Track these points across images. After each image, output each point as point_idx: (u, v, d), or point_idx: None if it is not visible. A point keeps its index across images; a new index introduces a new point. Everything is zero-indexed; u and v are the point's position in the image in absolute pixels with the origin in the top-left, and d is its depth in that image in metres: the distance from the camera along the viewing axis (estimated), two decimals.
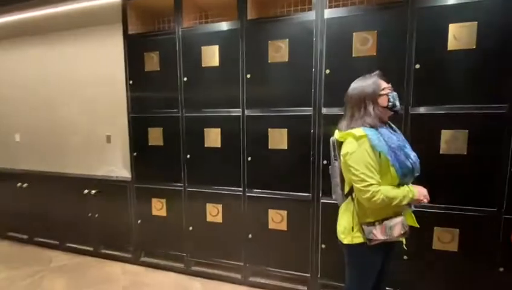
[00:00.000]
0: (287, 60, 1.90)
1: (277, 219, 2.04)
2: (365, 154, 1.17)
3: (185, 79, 2.16)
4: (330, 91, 1.84)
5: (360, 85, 1.27)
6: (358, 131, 1.20)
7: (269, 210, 2.06)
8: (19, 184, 2.87)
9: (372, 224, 1.21)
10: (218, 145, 2.12)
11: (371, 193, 1.14)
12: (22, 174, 2.90)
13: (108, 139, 2.93)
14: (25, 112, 3.23)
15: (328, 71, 1.82)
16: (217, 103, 2.11)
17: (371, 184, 1.14)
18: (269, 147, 2.00)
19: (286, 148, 1.96)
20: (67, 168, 2.83)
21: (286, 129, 1.95)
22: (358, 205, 1.25)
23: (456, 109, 1.63)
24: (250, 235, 2.12)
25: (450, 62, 1.62)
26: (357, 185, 1.17)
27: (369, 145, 1.17)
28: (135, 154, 2.38)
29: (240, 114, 2.05)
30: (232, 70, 2.04)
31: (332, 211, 1.88)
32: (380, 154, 1.17)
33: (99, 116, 2.95)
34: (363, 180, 1.15)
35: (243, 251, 2.16)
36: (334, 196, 1.44)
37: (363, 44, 1.75)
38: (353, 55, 1.77)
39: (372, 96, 1.23)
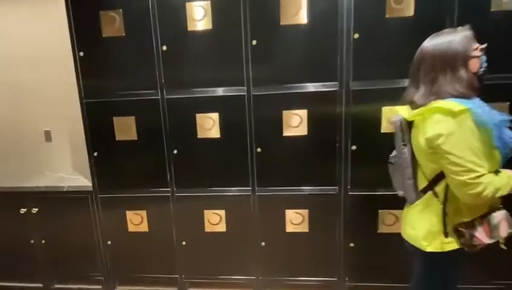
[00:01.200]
0: (305, 21, 1.49)
1: (296, 220, 1.69)
2: (469, 136, 0.86)
3: (164, 48, 1.59)
4: (360, 60, 1.50)
5: (447, 39, 0.94)
6: (454, 104, 0.88)
7: (286, 211, 1.69)
8: None
9: (471, 225, 0.93)
10: (217, 135, 1.64)
11: (482, 186, 0.85)
12: None
13: (48, 136, 2.19)
14: None
15: (357, 36, 1.47)
16: (212, 79, 1.60)
17: (482, 174, 0.85)
18: (284, 134, 1.60)
19: (306, 133, 1.59)
20: None
21: (305, 110, 1.57)
22: (450, 203, 0.95)
23: None
24: (263, 243, 1.73)
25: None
26: (460, 178, 0.87)
27: (473, 122, 0.87)
28: (96, 154, 1.74)
29: (245, 93, 1.59)
30: (231, 35, 1.54)
31: (364, 203, 1.62)
32: (482, 133, 0.88)
33: (33, 107, 2.16)
34: (471, 171, 0.85)
35: (255, 262, 1.77)
36: (401, 192, 1.14)
37: (398, 2, 1.44)
38: (387, 16, 1.45)
39: (464, 56, 0.92)
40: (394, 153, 1.17)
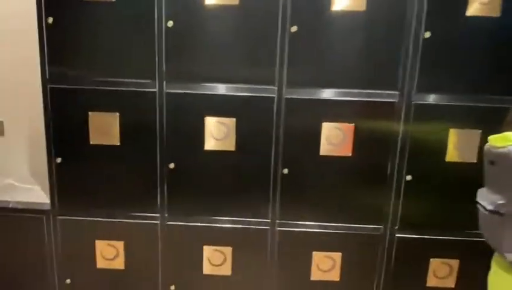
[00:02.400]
0: (363, 8, 1.13)
1: (325, 266, 1.30)
2: None
3: (170, 24, 1.15)
4: (428, 66, 1.16)
5: None
6: None
7: (314, 253, 1.29)
8: None
9: None
10: (231, 147, 1.22)
11: None
12: None
13: (0, 128, 1.67)
14: None
15: (428, 34, 1.13)
16: (232, 72, 1.19)
17: None
18: (320, 153, 1.22)
19: (350, 154, 1.21)
20: None
21: (352, 125, 1.20)
22: None
23: None
24: None
25: None
26: None
27: None
28: (59, 160, 1.26)
29: (275, 95, 1.19)
30: (264, 15, 1.15)
31: (413, 249, 1.24)
32: None
33: None
34: None
35: None
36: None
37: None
38: (467, 14, 1.12)
39: None
40: (500, 198, 0.82)
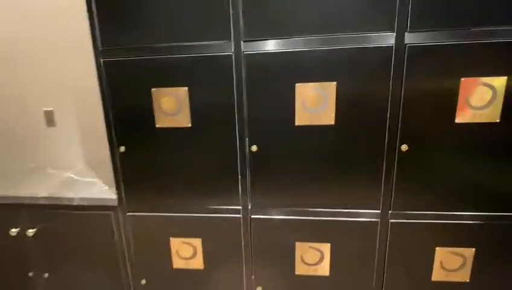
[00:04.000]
0: None
1: (453, 264, 1.02)
2: None
3: None
4: None
5: None
6: None
7: (437, 249, 1.02)
8: None
9: None
10: (330, 120, 0.95)
11: None
12: None
13: (49, 118, 1.55)
14: None
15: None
16: (341, 15, 0.89)
17: None
18: (456, 120, 0.90)
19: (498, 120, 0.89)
20: None
21: None
22: None
23: None
24: None
25: None
26: None
27: None
28: (122, 149, 1.08)
29: (392, 43, 0.88)
30: None
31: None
32: None
33: (27, 76, 1.50)
34: None
35: None
36: None
37: None
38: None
39: None
40: None
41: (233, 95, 0.97)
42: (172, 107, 1.00)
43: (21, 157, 1.59)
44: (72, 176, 1.40)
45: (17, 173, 1.48)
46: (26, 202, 1.20)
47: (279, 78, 0.94)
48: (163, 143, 1.04)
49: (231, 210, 1.08)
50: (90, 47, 1.01)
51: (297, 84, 0.93)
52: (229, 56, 0.94)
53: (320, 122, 0.95)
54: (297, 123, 0.96)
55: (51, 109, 1.54)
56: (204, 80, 0.97)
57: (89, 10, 0.96)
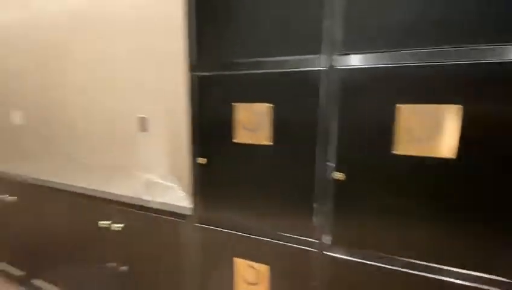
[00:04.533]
0: None
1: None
2: None
3: None
4: None
5: None
6: None
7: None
8: (4, 196, 1.75)
9: None
10: (449, 153, 0.76)
11: None
12: (5, 179, 1.76)
13: (143, 124, 1.72)
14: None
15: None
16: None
17: None
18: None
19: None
20: (76, 179, 1.62)
21: None
22: None
23: None
24: None
25: None
26: None
27: None
28: (202, 160, 1.09)
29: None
30: None
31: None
32: None
33: (127, 83, 1.72)
34: None
35: None
36: None
37: None
38: None
39: None
40: None
41: (320, 114, 0.87)
42: (253, 123, 0.96)
43: (114, 157, 1.81)
44: (154, 178, 1.51)
45: (109, 170, 1.68)
46: (114, 198, 1.33)
47: (377, 96, 0.80)
48: (240, 159, 1.01)
49: (304, 241, 0.97)
50: (184, 60, 1.07)
51: (399, 106, 0.78)
52: (319, 72, 0.86)
53: (432, 154, 0.77)
54: (397, 152, 0.80)
55: (144, 116, 1.72)
56: (289, 96, 0.91)
57: (188, 25, 1.01)
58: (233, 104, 0.99)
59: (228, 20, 0.96)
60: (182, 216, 1.18)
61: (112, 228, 1.33)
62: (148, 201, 1.25)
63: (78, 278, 1.55)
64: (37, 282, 1.75)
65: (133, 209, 1.29)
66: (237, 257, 1.09)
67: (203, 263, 1.17)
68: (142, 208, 1.27)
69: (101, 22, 1.72)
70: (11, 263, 1.88)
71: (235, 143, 1.00)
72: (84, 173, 1.67)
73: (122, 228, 1.33)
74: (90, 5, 1.73)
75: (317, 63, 0.86)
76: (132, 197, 1.29)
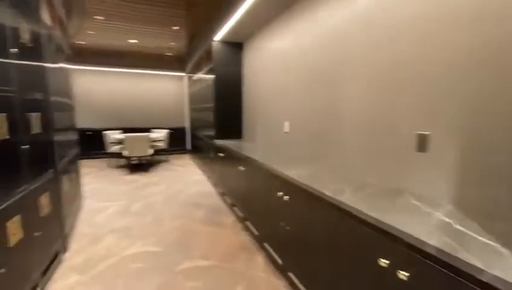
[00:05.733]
0: None
1: None
2: None
3: None
4: None
5: None
6: None
7: None
8: (279, 194, 2.07)
9: None
10: None
11: None
12: (281, 179, 2.06)
13: (422, 142, 1.39)
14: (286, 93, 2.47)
15: None
16: None
17: None
18: None
19: None
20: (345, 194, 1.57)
21: None
22: None
23: None
24: None
25: None
26: None
27: None
28: None
29: None
30: None
31: None
32: None
33: (407, 94, 1.44)
34: None
35: None
36: None
37: None
38: None
39: None
40: None
41: None
42: None
43: (382, 175, 1.60)
44: (418, 204, 1.10)
45: (377, 189, 1.47)
46: (398, 234, 1.07)
47: None
48: None
49: None
50: None
51: None
52: None
53: None
54: None
55: (428, 132, 1.35)
56: None
57: None
58: None
59: None
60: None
61: (400, 276, 1.07)
62: (481, 271, 0.83)
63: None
64: (291, 276, 1.93)
65: (422, 258, 0.95)
66: None
67: None
68: (448, 267, 0.90)
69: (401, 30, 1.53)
70: (276, 251, 2.23)
71: None
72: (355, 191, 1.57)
73: (408, 277, 1.04)
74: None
75: None
76: (437, 249, 0.95)
